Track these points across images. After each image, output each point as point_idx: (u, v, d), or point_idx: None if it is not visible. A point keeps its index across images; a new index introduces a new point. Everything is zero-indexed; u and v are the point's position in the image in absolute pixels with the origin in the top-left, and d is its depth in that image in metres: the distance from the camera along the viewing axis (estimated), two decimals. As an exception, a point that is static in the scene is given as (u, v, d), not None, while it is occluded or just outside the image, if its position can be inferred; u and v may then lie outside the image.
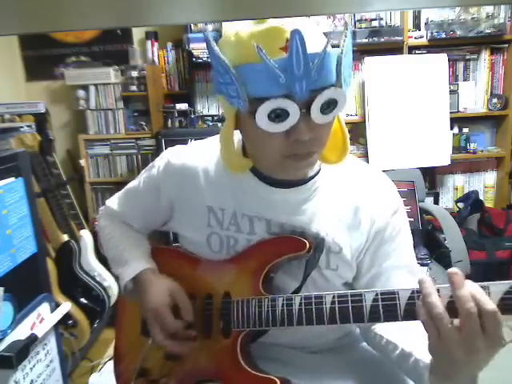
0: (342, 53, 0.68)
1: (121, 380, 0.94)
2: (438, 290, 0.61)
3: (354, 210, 0.83)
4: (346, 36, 0.69)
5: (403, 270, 0.83)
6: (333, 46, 0.69)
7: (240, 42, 0.69)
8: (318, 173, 0.84)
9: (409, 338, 0.75)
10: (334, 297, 0.71)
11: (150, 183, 0.94)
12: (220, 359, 0.81)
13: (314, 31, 0.70)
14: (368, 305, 0.68)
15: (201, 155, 0.90)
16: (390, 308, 0.66)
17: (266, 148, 0.74)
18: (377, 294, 0.67)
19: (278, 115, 0.67)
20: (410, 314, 0.65)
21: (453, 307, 0.59)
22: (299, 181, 0.83)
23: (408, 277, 0.83)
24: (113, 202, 1.02)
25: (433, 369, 0.65)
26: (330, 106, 0.69)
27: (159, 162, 0.93)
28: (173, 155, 0.92)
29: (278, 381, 0.75)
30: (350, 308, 0.69)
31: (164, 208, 0.93)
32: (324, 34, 0.72)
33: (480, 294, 0.58)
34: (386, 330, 0.80)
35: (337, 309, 0.70)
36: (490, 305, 0.57)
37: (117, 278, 0.93)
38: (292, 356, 0.89)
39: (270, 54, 0.64)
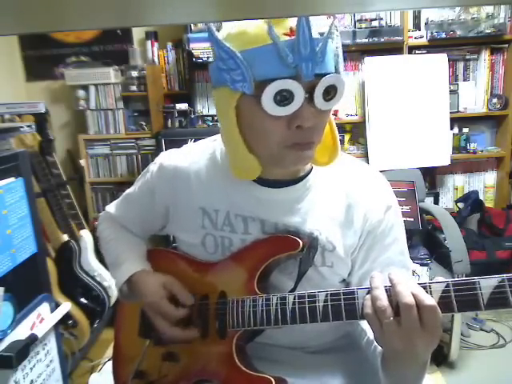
0: (337, 45, 0.72)
1: (119, 382, 0.95)
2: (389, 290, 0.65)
3: (346, 208, 0.83)
4: (336, 31, 0.72)
5: (396, 266, 0.83)
6: None
7: (244, 30, 0.70)
8: (309, 172, 0.85)
9: None
10: (326, 295, 0.71)
11: (144, 188, 0.96)
12: (216, 359, 0.82)
13: (313, 21, 0.71)
14: (360, 302, 0.68)
15: (193, 157, 0.90)
16: None
17: (268, 136, 0.73)
18: (369, 292, 0.67)
19: (284, 98, 0.68)
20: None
21: (397, 305, 0.63)
22: (291, 180, 0.83)
23: (401, 271, 0.83)
24: (112, 207, 1.04)
25: (383, 356, 0.72)
26: (330, 92, 0.70)
27: (153, 167, 0.94)
28: (165, 159, 0.93)
29: (273, 380, 0.75)
30: (343, 305, 0.70)
31: (160, 212, 0.94)
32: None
33: (418, 290, 0.62)
34: None
35: (329, 306, 0.71)
36: (429, 300, 0.61)
37: None
38: (289, 356, 0.89)
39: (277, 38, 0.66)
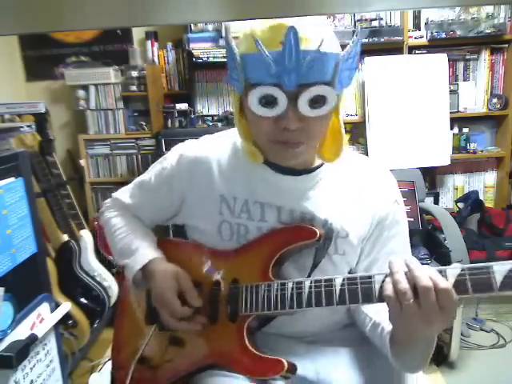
0: (342, 56, 0.75)
1: (119, 368, 0.95)
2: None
3: (358, 198, 0.88)
4: (352, 42, 0.76)
5: (399, 256, 0.85)
6: (342, 46, 0.77)
7: (247, 35, 0.76)
8: (323, 163, 0.89)
9: (379, 311, 0.81)
10: (343, 279, 0.74)
11: (162, 177, 0.96)
12: (226, 344, 0.83)
13: (319, 30, 0.74)
14: (377, 286, 0.71)
15: (212, 147, 0.93)
16: None
17: (258, 131, 0.81)
18: (386, 276, 0.70)
19: (268, 101, 0.75)
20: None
21: (415, 288, 0.65)
22: (307, 169, 0.88)
23: None
24: (122, 194, 1.03)
25: (393, 336, 0.74)
26: (318, 101, 0.74)
27: (172, 156, 0.95)
28: (185, 148, 0.95)
29: (285, 362, 0.77)
30: (360, 289, 0.72)
31: (174, 201, 0.95)
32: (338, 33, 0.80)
33: (435, 275, 0.65)
34: (366, 306, 0.87)
35: (346, 290, 0.73)
36: (445, 283, 0.65)
37: (117, 274, 0.95)
38: (291, 346, 0.91)
39: (270, 46, 0.71)
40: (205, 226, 0.91)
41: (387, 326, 0.77)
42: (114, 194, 1.05)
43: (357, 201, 0.88)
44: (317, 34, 0.73)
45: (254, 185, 0.88)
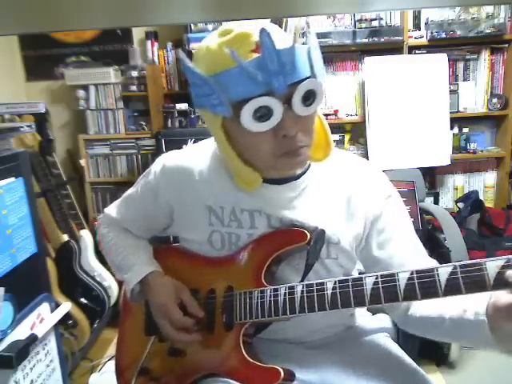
0: (309, 47, 0.72)
1: (122, 379, 0.95)
2: None
3: (347, 200, 0.85)
4: (309, 33, 0.73)
5: (409, 253, 0.85)
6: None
7: (212, 53, 0.72)
8: (308, 168, 0.86)
9: (451, 303, 0.75)
10: (335, 282, 0.73)
11: (147, 188, 0.95)
12: (223, 352, 0.83)
13: (278, 30, 0.73)
14: (369, 288, 0.70)
15: (195, 157, 0.91)
16: (390, 290, 0.69)
17: (258, 151, 0.76)
18: (377, 278, 0.69)
19: (263, 114, 0.70)
20: (409, 295, 0.67)
21: None
22: (291, 177, 0.85)
23: (416, 258, 0.85)
24: (111, 209, 1.04)
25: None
26: (309, 97, 0.72)
27: (155, 168, 0.94)
28: (168, 159, 0.93)
29: (281, 371, 0.76)
30: (351, 292, 0.71)
31: (163, 212, 0.94)
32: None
33: None
34: (423, 308, 0.80)
35: (338, 294, 0.72)
36: None
37: (119, 284, 0.95)
38: (291, 351, 0.90)
39: (242, 58, 0.67)
40: (195, 236, 0.90)
41: (480, 313, 0.69)
42: (106, 210, 1.05)
43: (346, 204, 0.85)
44: (279, 31, 0.72)
45: (238, 193, 0.86)
